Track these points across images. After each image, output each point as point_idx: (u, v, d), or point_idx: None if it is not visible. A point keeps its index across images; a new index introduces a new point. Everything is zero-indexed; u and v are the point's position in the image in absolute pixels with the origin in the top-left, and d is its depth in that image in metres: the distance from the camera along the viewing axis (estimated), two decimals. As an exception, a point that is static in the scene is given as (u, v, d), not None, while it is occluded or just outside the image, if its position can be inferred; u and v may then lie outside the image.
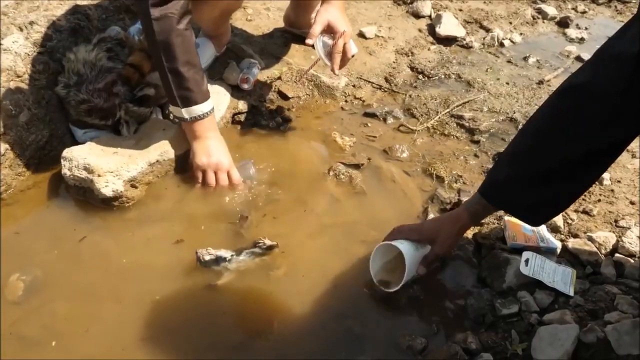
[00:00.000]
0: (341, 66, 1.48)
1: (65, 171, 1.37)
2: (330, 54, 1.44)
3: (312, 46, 1.44)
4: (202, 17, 1.65)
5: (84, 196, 1.39)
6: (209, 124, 1.42)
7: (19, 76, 1.51)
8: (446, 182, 1.51)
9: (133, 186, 1.39)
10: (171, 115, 1.58)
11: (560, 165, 0.96)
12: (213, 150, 1.42)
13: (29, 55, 1.55)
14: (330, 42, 1.45)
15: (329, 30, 1.44)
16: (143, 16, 1.29)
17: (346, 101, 1.85)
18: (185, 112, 1.38)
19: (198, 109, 1.38)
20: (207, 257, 1.24)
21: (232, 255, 1.26)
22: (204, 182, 1.43)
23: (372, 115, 1.78)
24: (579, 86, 0.93)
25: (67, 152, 1.38)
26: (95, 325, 1.13)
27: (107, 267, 1.25)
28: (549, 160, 0.97)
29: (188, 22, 1.33)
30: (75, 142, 1.51)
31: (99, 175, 1.33)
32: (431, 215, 1.38)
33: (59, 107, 1.54)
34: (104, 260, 1.27)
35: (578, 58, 2.12)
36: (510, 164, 1.04)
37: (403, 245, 1.14)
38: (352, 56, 1.52)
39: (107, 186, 1.34)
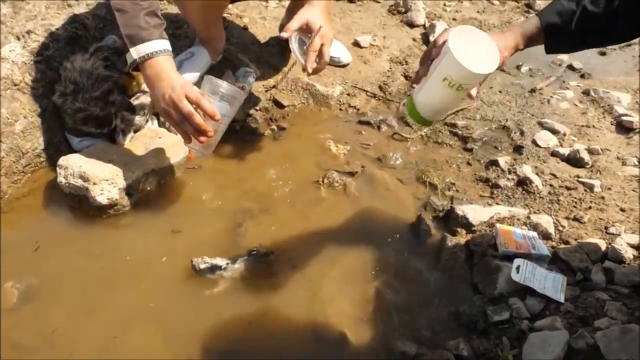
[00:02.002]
0: (317, 69, 1.42)
1: (60, 179, 1.37)
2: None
3: (288, 42, 1.41)
4: (188, 11, 1.66)
5: (79, 204, 1.39)
6: (165, 64, 1.29)
7: (15, 85, 1.52)
8: (439, 189, 1.52)
9: (128, 194, 1.40)
10: (129, 66, 1.37)
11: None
12: (165, 87, 1.27)
13: (26, 64, 1.57)
14: (307, 41, 1.42)
15: (308, 29, 1.41)
16: None
17: (341, 109, 1.86)
18: (134, 52, 1.28)
19: (147, 47, 1.28)
20: (203, 266, 1.25)
21: (227, 264, 1.27)
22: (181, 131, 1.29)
23: (367, 124, 1.80)
24: None
25: (63, 160, 1.39)
26: (88, 332, 1.14)
27: (101, 274, 1.26)
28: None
29: None
30: (71, 150, 1.52)
31: (94, 183, 1.34)
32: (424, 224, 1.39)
33: (55, 116, 1.55)
34: (98, 268, 1.27)
35: (570, 67, 2.14)
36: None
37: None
38: (344, 65, 1.51)
39: (103, 194, 1.35)
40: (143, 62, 1.29)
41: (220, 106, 1.30)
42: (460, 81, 0.95)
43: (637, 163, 1.58)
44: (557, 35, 1.09)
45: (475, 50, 0.95)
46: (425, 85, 1.04)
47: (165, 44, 1.32)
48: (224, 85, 1.30)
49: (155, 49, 1.29)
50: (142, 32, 1.28)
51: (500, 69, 1.15)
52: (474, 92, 1.06)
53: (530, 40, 1.11)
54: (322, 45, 1.41)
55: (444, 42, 0.99)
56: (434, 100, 1.03)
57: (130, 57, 1.30)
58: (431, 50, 1.06)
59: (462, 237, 1.36)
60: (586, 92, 1.95)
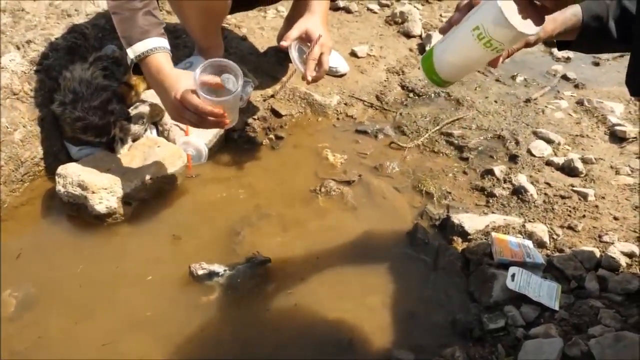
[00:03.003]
0: (317, 78, 1.44)
1: (59, 188, 1.38)
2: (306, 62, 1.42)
3: (286, 51, 1.43)
4: (187, 21, 1.67)
5: (77, 212, 1.40)
6: (161, 61, 1.29)
7: (15, 94, 1.54)
8: (435, 198, 1.54)
9: (127, 203, 1.41)
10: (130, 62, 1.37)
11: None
12: (165, 100, 1.30)
13: (25, 73, 1.58)
14: (307, 50, 1.44)
15: (307, 38, 1.43)
16: None
17: (338, 119, 1.88)
18: (131, 52, 1.29)
19: (142, 45, 1.28)
20: (200, 272, 1.26)
21: (225, 270, 1.28)
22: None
23: (364, 133, 1.81)
24: None
25: (62, 169, 1.40)
26: (86, 340, 1.14)
27: (99, 282, 1.26)
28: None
29: None
30: (70, 159, 1.53)
31: (93, 192, 1.35)
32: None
33: (54, 125, 1.56)
34: (96, 276, 1.28)
35: (564, 77, 2.17)
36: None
37: None
38: (342, 75, 1.53)
39: (101, 203, 1.36)
40: (141, 62, 1.30)
41: (225, 79, 1.27)
42: (492, 34, 0.84)
43: (630, 172, 1.60)
44: (592, 31, 1.06)
45: (516, 7, 0.83)
46: (451, 34, 0.93)
47: (160, 42, 1.31)
48: (200, 68, 1.25)
49: (150, 46, 1.29)
50: (137, 31, 1.29)
51: (497, 79, 1.12)
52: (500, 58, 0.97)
53: (565, 30, 1.07)
54: (321, 54, 1.44)
55: None
56: (455, 52, 0.92)
57: (128, 58, 1.31)
58: None
59: (458, 246, 1.37)
60: (580, 102, 1.98)
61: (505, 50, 0.93)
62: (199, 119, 1.26)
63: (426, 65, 0.98)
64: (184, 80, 1.27)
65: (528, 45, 1.06)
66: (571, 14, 1.08)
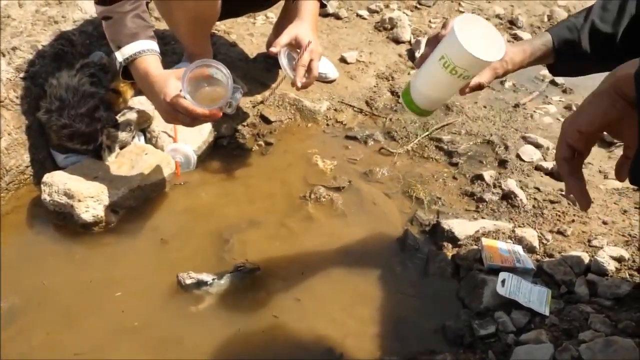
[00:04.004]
0: (307, 84, 1.44)
1: (45, 196, 1.36)
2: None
3: (276, 57, 1.43)
4: (177, 27, 1.67)
5: (63, 221, 1.38)
6: (149, 63, 1.28)
7: (0, 101, 1.52)
8: (425, 203, 1.54)
9: (114, 211, 1.39)
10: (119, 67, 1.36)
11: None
12: (155, 103, 1.30)
13: (10, 80, 1.56)
14: (296, 56, 1.43)
15: (297, 45, 1.43)
16: None
17: (328, 125, 1.88)
18: (119, 55, 1.29)
19: (130, 48, 1.28)
20: (189, 281, 1.25)
21: (213, 279, 1.26)
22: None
23: (353, 138, 1.81)
24: None
25: (48, 177, 1.38)
26: (73, 352, 1.12)
27: (86, 293, 1.24)
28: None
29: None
30: (56, 167, 1.51)
31: (79, 201, 1.33)
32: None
33: (40, 132, 1.55)
34: (83, 286, 1.26)
35: (552, 82, 2.18)
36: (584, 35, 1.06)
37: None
38: (331, 81, 1.52)
39: (88, 211, 1.34)
40: (130, 65, 1.29)
41: (214, 72, 1.26)
42: (456, 62, 0.91)
43: (618, 176, 1.60)
44: (568, 55, 1.07)
45: (480, 38, 0.90)
46: (423, 66, 1.01)
47: (149, 44, 1.30)
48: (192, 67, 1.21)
49: (138, 49, 1.28)
50: (126, 34, 1.28)
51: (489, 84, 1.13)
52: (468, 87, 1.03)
53: (538, 59, 1.09)
54: (311, 60, 1.43)
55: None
56: (428, 82, 1.00)
57: (117, 62, 1.30)
58: (439, 32, 1.02)
59: (449, 252, 1.37)
60: (568, 107, 1.99)
61: (471, 76, 0.99)
62: (192, 120, 1.25)
63: (405, 98, 1.07)
64: (172, 82, 1.24)
65: (497, 76, 1.09)
66: (541, 44, 1.09)
